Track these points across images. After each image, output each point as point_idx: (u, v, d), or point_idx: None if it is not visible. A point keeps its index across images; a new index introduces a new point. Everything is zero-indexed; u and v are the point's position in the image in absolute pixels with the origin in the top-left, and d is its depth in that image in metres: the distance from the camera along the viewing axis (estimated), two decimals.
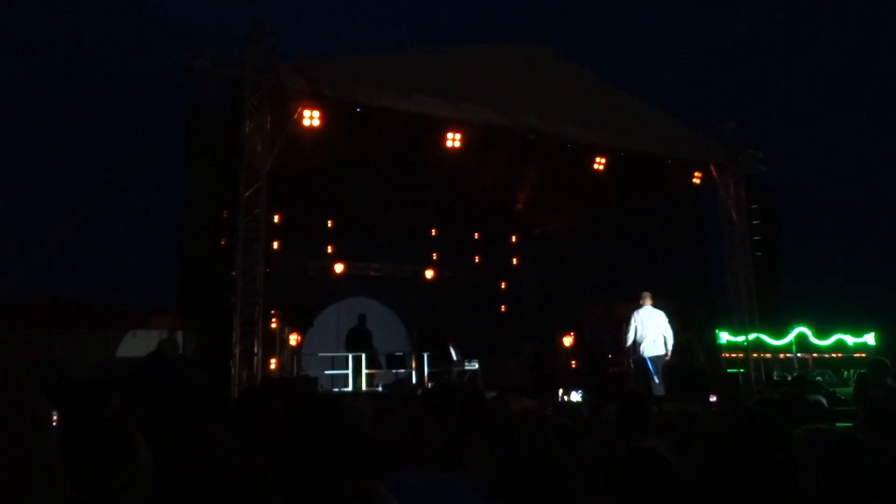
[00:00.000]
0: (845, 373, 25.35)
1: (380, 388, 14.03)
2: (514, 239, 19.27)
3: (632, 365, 11.33)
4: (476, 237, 18.51)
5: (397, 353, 15.20)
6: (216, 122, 10.15)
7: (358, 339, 14.70)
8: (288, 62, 9.76)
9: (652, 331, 10.77)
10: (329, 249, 16.70)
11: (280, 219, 13.44)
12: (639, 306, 11.09)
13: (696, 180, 13.64)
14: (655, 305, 11.02)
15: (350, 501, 1.45)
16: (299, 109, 9.84)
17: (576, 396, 12.14)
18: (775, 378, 14.80)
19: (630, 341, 11.03)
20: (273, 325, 12.00)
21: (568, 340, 15.22)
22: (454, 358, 13.88)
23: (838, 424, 3.08)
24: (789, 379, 14.50)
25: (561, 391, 12.68)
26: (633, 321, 11.01)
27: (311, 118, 10.02)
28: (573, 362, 15.08)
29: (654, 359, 10.65)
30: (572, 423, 3.86)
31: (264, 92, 9.61)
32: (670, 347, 10.72)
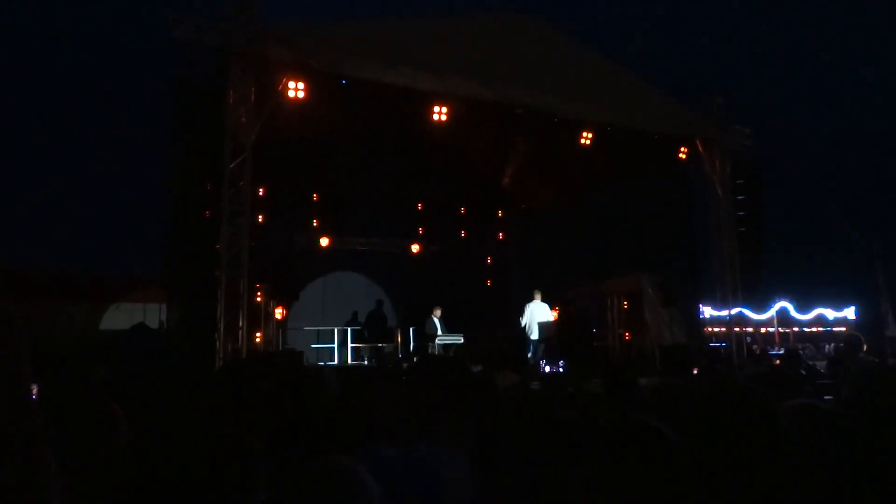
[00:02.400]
0: (826, 347, 25.70)
1: (366, 362, 14.10)
2: (500, 213, 19.26)
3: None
4: (462, 211, 18.49)
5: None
6: (201, 92, 10.00)
7: (376, 323, 15.05)
8: (273, 31, 9.59)
9: (538, 319, 13.17)
10: (314, 223, 16.63)
11: (265, 192, 13.33)
12: (532, 300, 13.41)
13: (683, 155, 13.64)
14: (543, 300, 13.51)
15: (324, 477, 1.44)
16: (284, 80, 9.71)
17: (549, 368, 12.35)
18: (758, 353, 14.98)
19: (523, 324, 13.45)
20: (258, 299, 11.97)
21: (553, 315, 15.31)
22: (438, 332, 13.94)
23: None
24: (770, 354, 14.69)
25: (543, 362, 12.79)
26: (525, 311, 13.45)
27: (296, 90, 9.90)
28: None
29: (535, 341, 13.15)
30: (557, 397, 3.89)
31: (249, 62, 9.46)
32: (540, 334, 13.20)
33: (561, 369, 12.42)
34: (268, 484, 1.45)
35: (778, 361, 10.79)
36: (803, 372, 5.85)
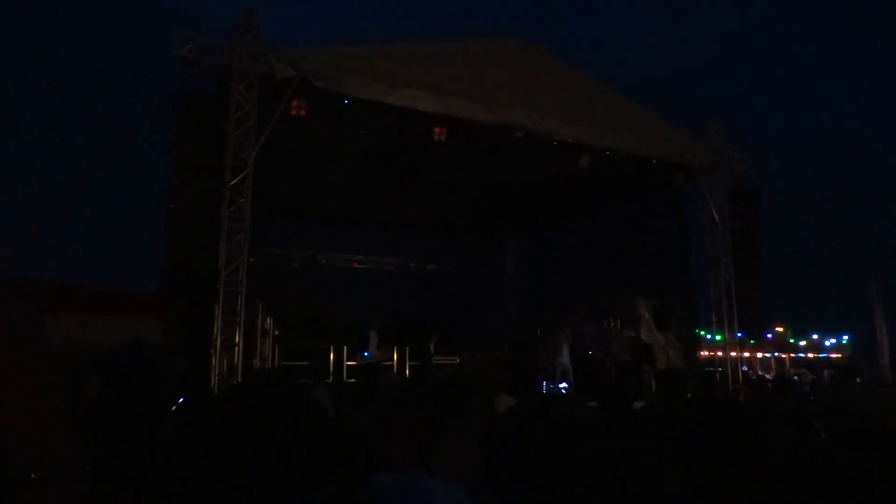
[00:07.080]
0: (819, 373, 25.67)
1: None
2: (498, 234, 19.30)
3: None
4: (461, 231, 18.52)
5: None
6: (204, 108, 10.05)
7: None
8: (276, 52, 9.68)
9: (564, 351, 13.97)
10: (313, 241, 16.66)
11: (264, 208, 13.35)
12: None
13: (680, 181, 13.71)
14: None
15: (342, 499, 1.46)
16: (286, 99, 9.77)
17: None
18: (754, 378, 14.96)
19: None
20: (255, 315, 11.94)
21: None
22: (432, 352, 13.91)
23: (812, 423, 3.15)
24: (768, 377, 14.68)
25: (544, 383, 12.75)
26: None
27: (298, 108, 9.97)
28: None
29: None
30: (559, 419, 3.89)
31: (252, 81, 9.55)
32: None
33: (563, 390, 12.40)
34: None
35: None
36: (795, 399, 5.87)
